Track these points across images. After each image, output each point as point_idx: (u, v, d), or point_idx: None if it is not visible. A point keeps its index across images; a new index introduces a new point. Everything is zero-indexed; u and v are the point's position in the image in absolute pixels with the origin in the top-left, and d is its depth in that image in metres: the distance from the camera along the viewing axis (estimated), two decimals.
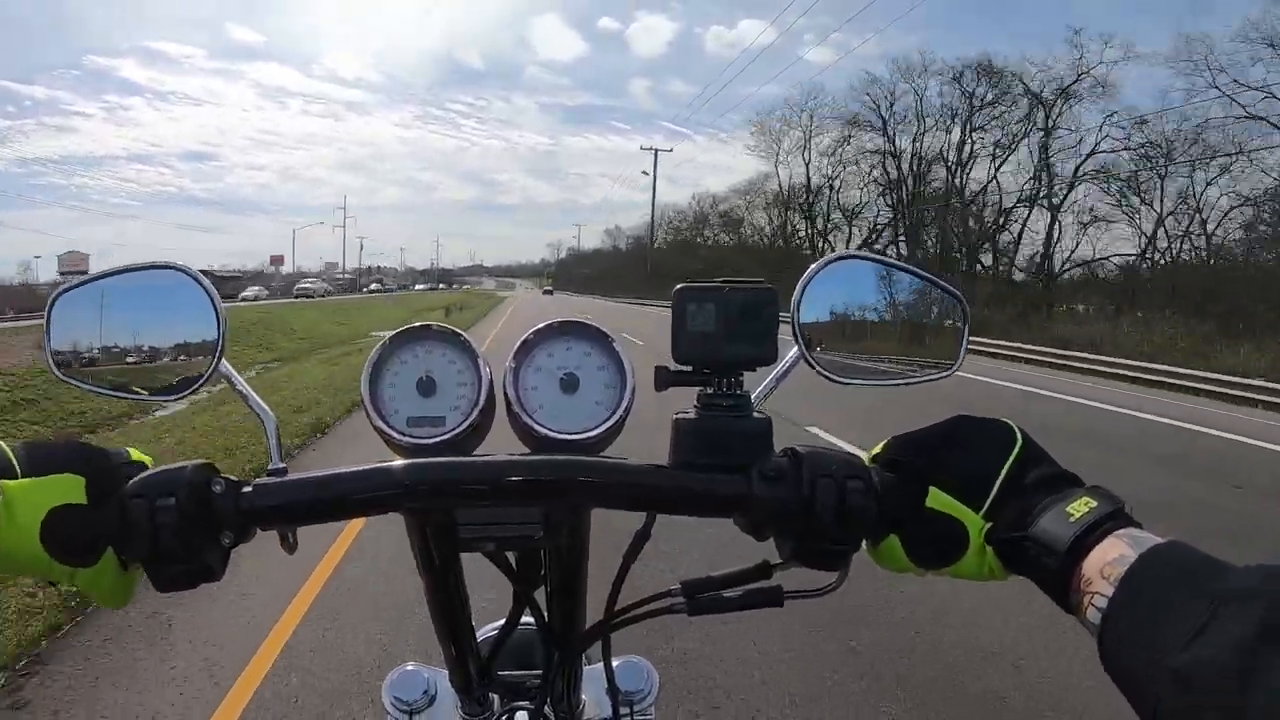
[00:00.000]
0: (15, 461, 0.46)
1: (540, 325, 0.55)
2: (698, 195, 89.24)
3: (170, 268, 0.54)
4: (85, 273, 0.59)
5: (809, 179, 44.18)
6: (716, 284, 0.51)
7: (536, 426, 0.52)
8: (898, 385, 0.59)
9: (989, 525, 0.47)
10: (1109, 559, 0.40)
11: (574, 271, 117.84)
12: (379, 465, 0.49)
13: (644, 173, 47.55)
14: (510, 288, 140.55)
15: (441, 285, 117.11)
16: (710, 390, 0.52)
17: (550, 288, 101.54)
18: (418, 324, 0.55)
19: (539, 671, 0.72)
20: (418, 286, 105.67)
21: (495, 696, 0.74)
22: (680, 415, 0.52)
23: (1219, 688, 0.32)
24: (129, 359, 0.56)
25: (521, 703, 0.71)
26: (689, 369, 0.52)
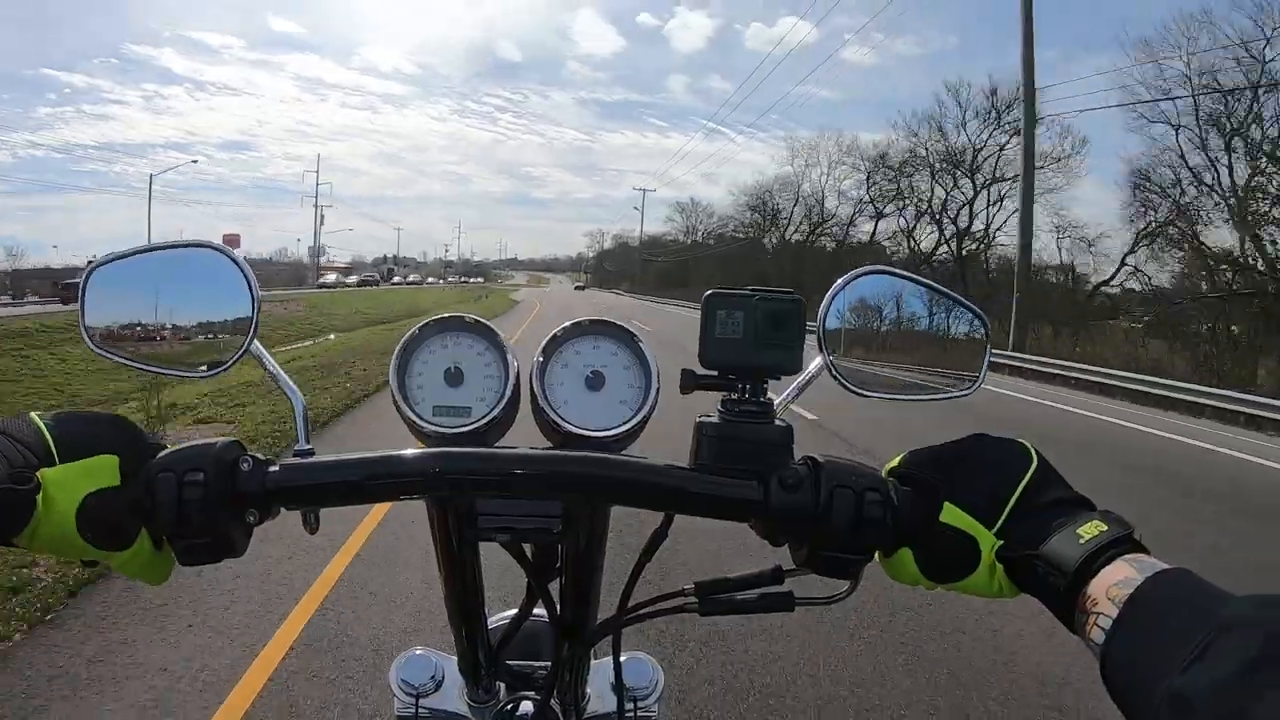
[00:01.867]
0: (51, 443, 0.46)
1: (568, 323, 0.56)
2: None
3: (207, 246, 0.56)
4: None
5: None
6: (746, 292, 0.52)
7: (561, 422, 0.53)
8: (918, 400, 0.59)
9: (1000, 543, 0.47)
10: (1115, 581, 0.41)
11: (620, 263, 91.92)
12: (403, 452, 0.49)
13: None
14: (543, 283, 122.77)
15: (438, 280, 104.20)
16: (734, 396, 0.52)
17: (582, 284, 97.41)
18: (447, 314, 0.56)
19: (546, 663, 0.72)
20: (365, 276, 78.89)
21: (502, 685, 0.74)
22: (703, 419, 0.52)
23: (1218, 711, 0.32)
24: (162, 333, 0.56)
25: (527, 693, 0.71)
26: (714, 374, 0.52)
